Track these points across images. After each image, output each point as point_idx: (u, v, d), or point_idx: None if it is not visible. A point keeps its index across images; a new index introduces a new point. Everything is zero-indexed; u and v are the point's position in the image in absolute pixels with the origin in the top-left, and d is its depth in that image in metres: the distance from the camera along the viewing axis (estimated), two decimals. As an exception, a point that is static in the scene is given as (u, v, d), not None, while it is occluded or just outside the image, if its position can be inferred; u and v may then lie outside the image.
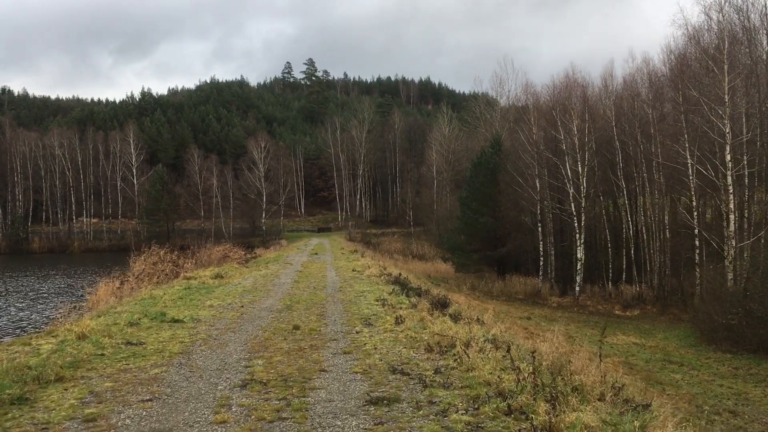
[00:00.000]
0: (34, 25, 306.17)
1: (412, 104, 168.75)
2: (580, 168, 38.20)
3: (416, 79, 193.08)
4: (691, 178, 33.02)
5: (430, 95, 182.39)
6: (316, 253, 37.10)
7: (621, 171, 39.76)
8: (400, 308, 12.09)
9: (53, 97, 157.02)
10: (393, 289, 15.75)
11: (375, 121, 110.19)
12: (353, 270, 23.11)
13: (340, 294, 15.78)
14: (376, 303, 13.47)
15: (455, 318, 10.43)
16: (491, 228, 44.13)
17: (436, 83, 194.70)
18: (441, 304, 11.88)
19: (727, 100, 30.06)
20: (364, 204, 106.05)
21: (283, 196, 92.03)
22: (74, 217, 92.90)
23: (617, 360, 20.06)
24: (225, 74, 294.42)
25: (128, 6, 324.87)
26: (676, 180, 36.82)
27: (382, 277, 19.45)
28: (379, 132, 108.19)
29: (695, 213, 33.51)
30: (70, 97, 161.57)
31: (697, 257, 33.34)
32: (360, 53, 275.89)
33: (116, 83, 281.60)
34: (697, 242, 33.26)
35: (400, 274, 20.37)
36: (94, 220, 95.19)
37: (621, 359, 20.37)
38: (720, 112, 30.44)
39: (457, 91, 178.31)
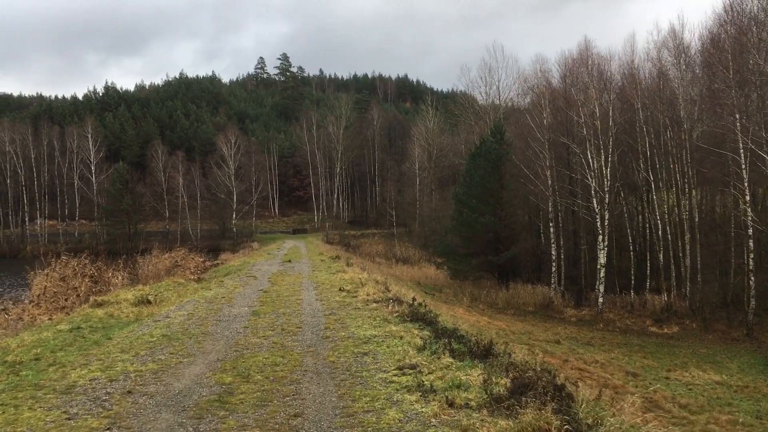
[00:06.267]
0: (23, 24, 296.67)
1: (390, 102, 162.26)
2: (603, 157, 32.26)
3: (393, 76, 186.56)
4: (743, 167, 27.26)
5: (408, 93, 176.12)
6: (290, 261, 30.44)
7: (648, 161, 33.87)
8: (469, 407, 5.64)
9: (15, 94, 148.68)
10: (422, 338, 9.08)
11: (352, 117, 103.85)
12: (340, 289, 16.27)
13: (326, 347, 9.32)
14: (404, 381, 6.98)
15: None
16: (493, 229, 37.92)
17: (414, 80, 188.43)
18: (554, 389, 5.45)
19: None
20: (341, 204, 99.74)
21: (255, 195, 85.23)
22: (27, 220, 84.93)
23: (724, 417, 13.90)
24: (220, 73, 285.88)
25: (121, 5, 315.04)
26: (715, 170, 31.27)
27: (389, 305, 12.45)
28: (357, 128, 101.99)
29: (748, 209, 27.75)
30: (33, 94, 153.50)
31: (752, 262, 27.56)
32: (350, 54, 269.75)
33: (104, 82, 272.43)
34: (751, 244, 27.49)
35: (414, 299, 13.60)
36: (51, 222, 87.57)
37: (726, 415, 14.22)
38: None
39: (435, 89, 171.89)
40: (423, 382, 6.74)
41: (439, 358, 7.58)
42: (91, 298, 14.96)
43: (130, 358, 8.49)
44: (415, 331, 9.70)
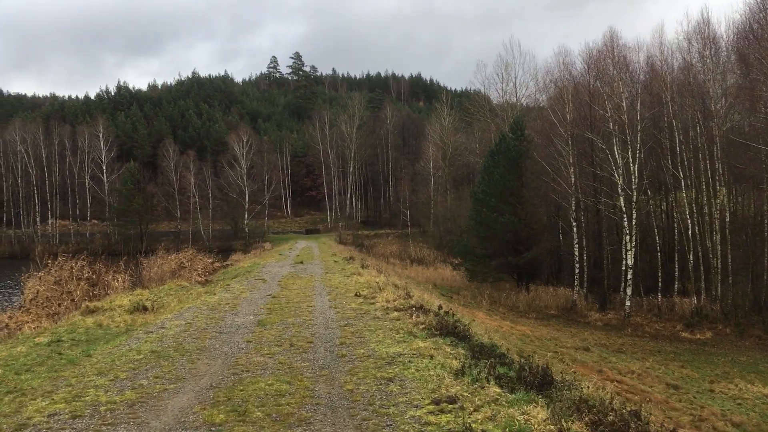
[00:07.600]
0: (43, 25, 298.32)
1: (403, 101, 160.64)
2: (630, 153, 30.65)
3: (407, 75, 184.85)
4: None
5: (421, 92, 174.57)
6: (302, 262, 29.09)
7: (677, 157, 32.19)
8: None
9: (29, 94, 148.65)
10: (458, 358, 7.68)
11: (365, 116, 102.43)
12: (356, 294, 14.87)
13: (342, 369, 7.76)
14: (444, 423, 5.44)
15: None
16: (513, 229, 36.38)
17: (428, 79, 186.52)
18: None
19: None
20: (354, 204, 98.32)
21: (267, 195, 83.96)
22: (39, 220, 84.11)
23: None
24: (234, 74, 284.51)
25: (139, 6, 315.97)
26: (749, 167, 29.59)
27: (412, 315, 11.07)
28: (371, 127, 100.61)
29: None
30: (47, 94, 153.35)
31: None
32: (366, 54, 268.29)
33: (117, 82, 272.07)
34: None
35: (440, 307, 12.06)
36: (63, 222, 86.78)
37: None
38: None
39: (450, 88, 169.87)
40: (470, 425, 5.25)
41: (483, 388, 6.10)
42: (84, 304, 13.67)
43: (106, 384, 7.14)
44: (448, 349, 8.24)
